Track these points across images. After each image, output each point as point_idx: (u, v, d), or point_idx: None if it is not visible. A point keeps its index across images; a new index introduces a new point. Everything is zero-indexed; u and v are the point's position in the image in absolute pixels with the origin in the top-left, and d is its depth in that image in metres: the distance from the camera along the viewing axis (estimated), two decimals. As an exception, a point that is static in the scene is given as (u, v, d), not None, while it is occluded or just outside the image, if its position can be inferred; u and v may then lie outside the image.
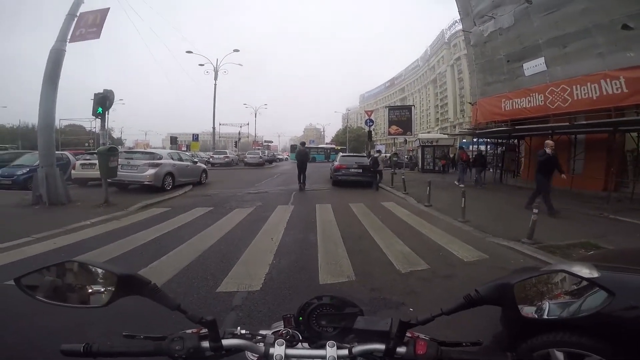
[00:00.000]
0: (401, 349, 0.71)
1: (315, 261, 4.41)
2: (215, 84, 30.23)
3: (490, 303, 0.70)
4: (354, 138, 64.95)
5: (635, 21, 8.60)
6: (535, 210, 5.26)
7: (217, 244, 5.12)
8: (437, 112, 73.44)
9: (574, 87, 10.30)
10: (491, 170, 17.58)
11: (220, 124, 43.02)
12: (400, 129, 20.86)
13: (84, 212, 7.08)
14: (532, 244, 5.12)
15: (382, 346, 0.71)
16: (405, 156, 26.55)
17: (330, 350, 0.71)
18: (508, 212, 8.23)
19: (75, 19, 8.65)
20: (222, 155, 28.61)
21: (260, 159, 30.14)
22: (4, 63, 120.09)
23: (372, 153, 19.68)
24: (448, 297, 3.34)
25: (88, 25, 8.74)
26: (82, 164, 12.11)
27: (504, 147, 17.01)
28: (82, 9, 8.78)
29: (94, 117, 10.14)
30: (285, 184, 14.47)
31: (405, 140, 23.11)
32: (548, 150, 7.70)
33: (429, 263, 4.36)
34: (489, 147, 18.31)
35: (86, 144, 34.87)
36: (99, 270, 0.73)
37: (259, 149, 40.02)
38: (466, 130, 21.81)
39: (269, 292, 3.45)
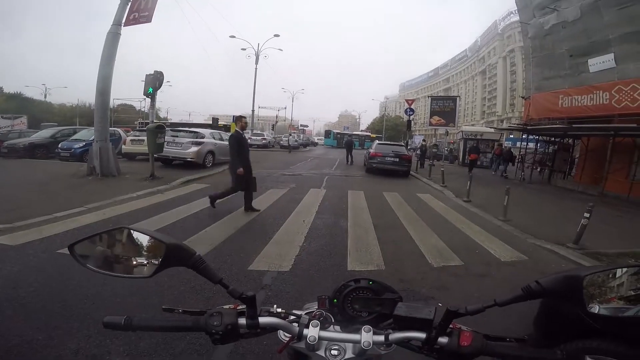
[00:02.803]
0: (443, 339, 0.68)
1: (345, 247, 4.44)
2: (255, 68, 30.78)
3: (551, 296, 0.66)
4: (391, 127, 63.75)
5: None
6: (586, 214, 4.87)
7: (251, 222, 5.31)
8: (484, 104, 70.06)
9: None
10: (539, 169, 16.58)
11: (259, 107, 44.02)
12: (442, 120, 20.14)
13: (131, 185, 7.60)
14: (577, 249, 4.79)
15: (422, 335, 0.68)
16: (445, 148, 25.63)
17: (366, 335, 0.68)
18: (554, 214, 7.70)
19: (129, 4, 9.05)
20: (260, 137, 29.32)
21: (295, 142, 30.50)
22: (64, 47, 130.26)
23: (410, 143, 19.47)
24: (480, 295, 3.26)
25: (140, 10, 9.11)
26: (132, 140, 12.97)
27: (555, 146, 15.88)
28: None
29: (144, 96, 10.75)
30: (318, 168, 14.63)
31: (447, 132, 22.25)
32: None
33: (463, 259, 4.22)
34: (538, 144, 17.18)
35: (135, 122, 37.24)
36: (148, 239, 0.73)
37: (294, 132, 40.44)
38: (515, 126, 20.55)
39: (297, 273, 3.53)
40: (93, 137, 9.11)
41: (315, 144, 46.30)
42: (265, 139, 29.70)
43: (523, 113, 17.57)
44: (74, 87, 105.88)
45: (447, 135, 22.95)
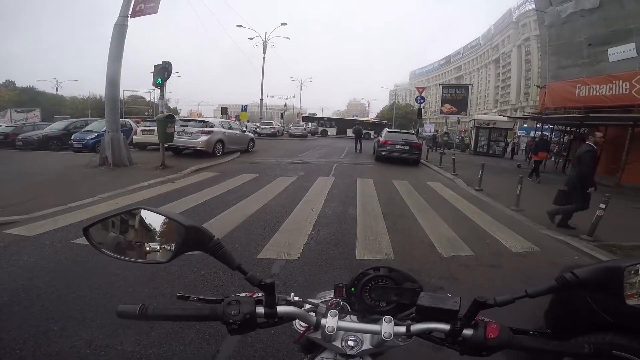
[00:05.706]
0: (468, 331, 0.66)
1: (354, 236, 4.43)
2: (263, 57, 30.70)
3: (588, 287, 0.63)
4: (401, 115, 63.35)
5: None
6: (601, 205, 4.74)
7: (261, 211, 5.33)
8: (497, 93, 69.24)
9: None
10: (553, 159, 16.29)
11: (267, 96, 43.96)
12: (454, 108, 19.82)
13: (143, 174, 7.71)
14: (591, 241, 4.68)
15: (446, 326, 0.66)
16: (457, 137, 25.24)
17: (387, 326, 0.66)
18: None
19: None
20: (269, 126, 29.39)
21: (304, 131, 30.50)
22: (74, 40, 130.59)
23: (420, 131, 19.21)
24: (490, 286, 3.25)
25: (146, 1, 9.06)
26: (142, 130, 13.12)
27: (572, 136, 15.55)
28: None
29: (153, 87, 10.79)
30: (327, 156, 14.61)
31: (459, 120, 21.88)
32: None
33: (473, 250, 4.18)
34: (553, 134, 16.85)
35: (146, 113, 37.61)
36: (166, 221, 0.68)
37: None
38: (530, 114, 20.12)
39: (306, 262, 3.53)
40: (105, 129, 9.23)
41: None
42: (274, 127, 29.74)
43: (538, 102, 17.30)
44: (85, 80, 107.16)
45: (459, 123, 22.59)
